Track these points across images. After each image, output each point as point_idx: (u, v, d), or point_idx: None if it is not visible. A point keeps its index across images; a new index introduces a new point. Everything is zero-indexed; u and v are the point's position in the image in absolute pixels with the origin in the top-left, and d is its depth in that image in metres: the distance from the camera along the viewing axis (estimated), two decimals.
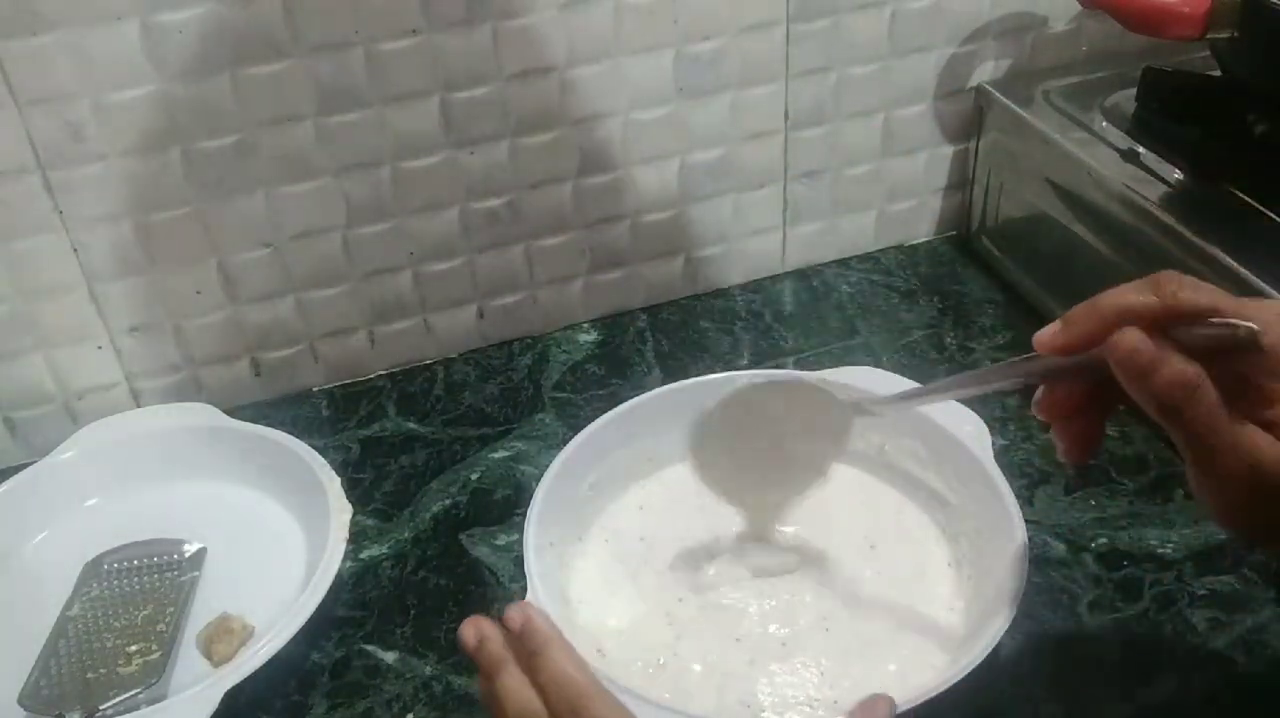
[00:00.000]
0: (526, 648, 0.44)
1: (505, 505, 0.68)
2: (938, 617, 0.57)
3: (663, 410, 0.65)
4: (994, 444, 0.61)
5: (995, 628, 0.50)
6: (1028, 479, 0.66)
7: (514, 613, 0.45)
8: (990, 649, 0.49)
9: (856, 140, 0.83)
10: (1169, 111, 0.75)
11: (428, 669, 0.59)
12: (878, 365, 0.68)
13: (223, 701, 0.53)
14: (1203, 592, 0.60)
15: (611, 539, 0.62)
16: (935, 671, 0.50)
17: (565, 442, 0.63)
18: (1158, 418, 0.40)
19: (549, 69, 0.72)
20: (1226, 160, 0.69)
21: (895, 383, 0.65)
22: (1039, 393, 0.46)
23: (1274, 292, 0.59)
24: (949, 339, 0.79)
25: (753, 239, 0.85)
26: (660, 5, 0.72)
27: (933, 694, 0.48)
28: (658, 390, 0.66)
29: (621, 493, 0.64)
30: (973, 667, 0.49)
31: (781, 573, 0.59)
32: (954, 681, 0.48)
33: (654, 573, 0.60)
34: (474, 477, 0.70)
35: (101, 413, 0.73)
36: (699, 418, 0.57)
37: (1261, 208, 0.66)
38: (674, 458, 0.66)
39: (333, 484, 0.65)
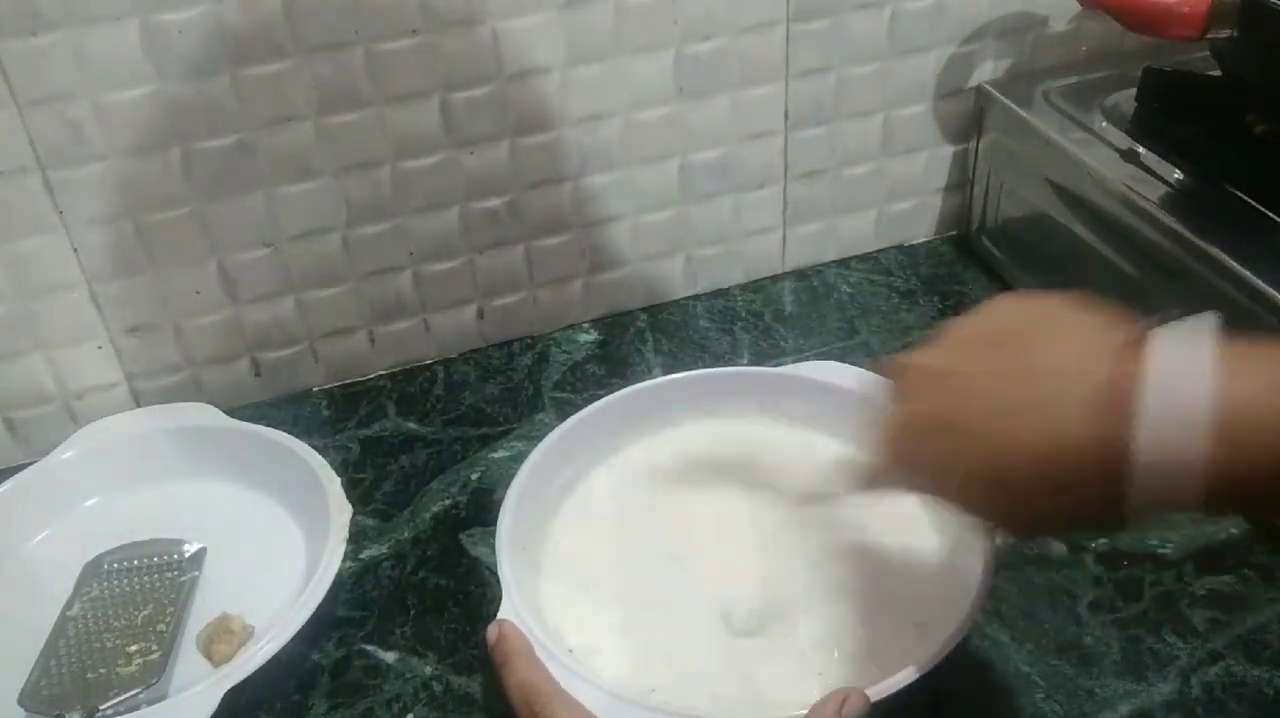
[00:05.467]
0: (495, 659, 0.51)
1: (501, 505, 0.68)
2: (926, 605, 0.56)
3: (629, 410, 0.66)
4: None
5: (967, 612, 0.51)
6: None
7: (491, 628, 0.52)
8: (961, 637, 0.50)
9: (856, 140, 0.83)
10: (1169, 111, 0.75)
11: (428, 669, 0.59)
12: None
13: (223, 701, 0.53)
14: (1203, 592, 0.60)
15: (583, 538, 0.62)
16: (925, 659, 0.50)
17: None
18: None
19: (549, 69, 0.72)
20: (1226, 160, 0.69)
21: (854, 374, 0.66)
22: None
23: (1274, 292, 0.59)
24: None
25: (753, 239, 0.85)
26: (660, 5, 0.72)
27: (919, 680, 0.48)
28: (623, 392, 0.67)
29: (590, 492, 0.64)
30: (947, 652, 0.49)
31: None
32: (928, 667, 0.48)
33: (626, 571, 0.60)
34: (474, 477, 0.70)
35: (101, 413, 0.73)
36: None
37: (1261, 208, 0.66)
38: (640, 453, 0.66)
39: (333, 484, 0.65)
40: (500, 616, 0.53)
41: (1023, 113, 0.79)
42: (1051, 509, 0.40)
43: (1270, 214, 0.65)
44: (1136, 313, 0.40)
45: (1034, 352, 0.41)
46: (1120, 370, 0.37)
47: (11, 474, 0.68)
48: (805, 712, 0.47)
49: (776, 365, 0.77)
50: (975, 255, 0.88)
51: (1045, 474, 0.39)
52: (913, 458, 0.44)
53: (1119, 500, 0.37)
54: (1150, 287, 0.68)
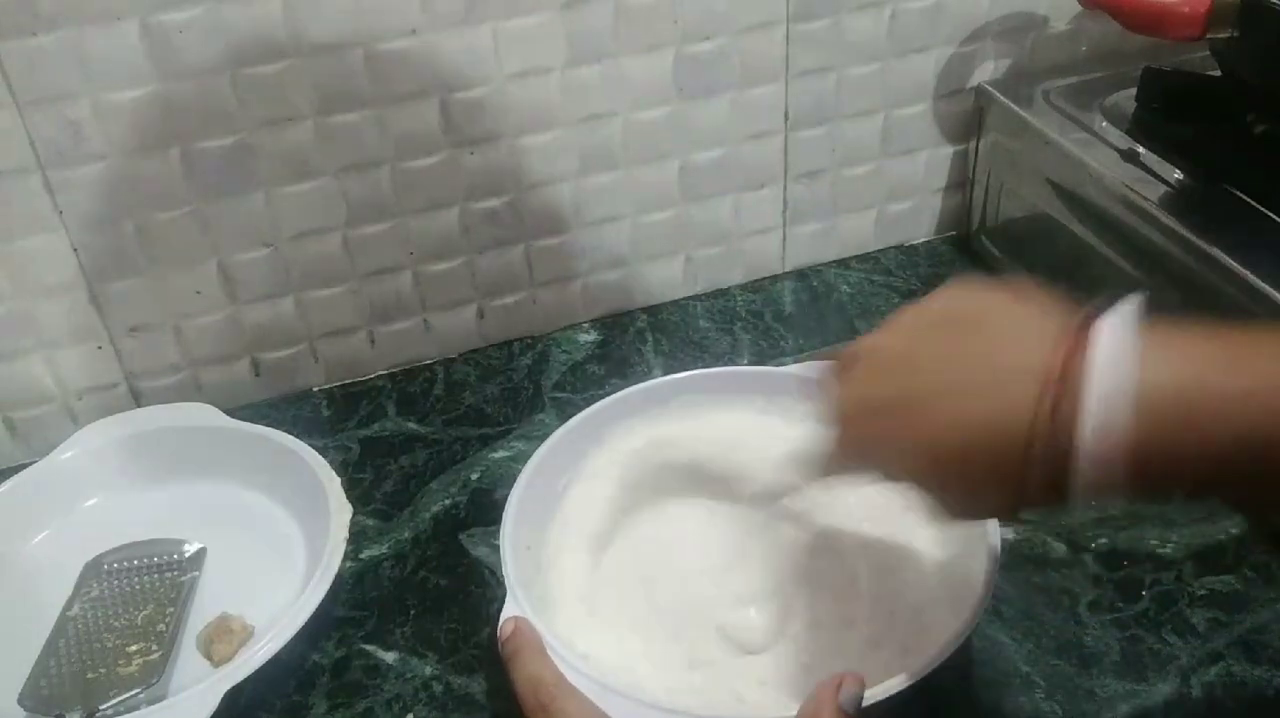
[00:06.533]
0: (505, 654, 0.51)
1: (505, 506, 0.68)
2: (924, 603, 0.56)
3: (631, 410, 0.65)
4: None
5: (971, 612, 0.50)
6: None
7: (505, 623, 0.52)
8: (966, 636, 0.50)
9: (856, 140, 0.83)
10: (1169, 111, 0.75)
11: (428, 669, 0.59)
12: None
13: (223, 701, 0.53)
14: (1203, 592, 0.60)
15: (586, 538, 0.62)
16: (922, 659, 0.50)
17: None
18: None
19: (549, 69, 0.72)
20: (1226, 160, 0.69)
21: None
22: None
23: (1274, 292, 0.59)
24: None
25: (753, 239, 0.85)
26: (660, 5, 0.72)
27: (922, 678, 0.48)
28: (627, 391, 0.66)
29: (593, 492, 0.64)
30: (951, 651, 0.49)
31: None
32: (933, 666, 0.48)
33: (629, 570, 0.60)
34: (474, 477, 0.70)
35: (101, 413, 0.73)
36: None
37: (1261, 208, 0.66)
38: (642, 452, 0.65)
39: (333, 484, 0.65)
40: (504, 616, 0.53)
41: (1023, 113, 0.79)
42: (992, 490, 0.41)
43: (1270, 214, 0.65)
44: (1081, 300, 0.42)
45: (979, 336, 0.43)
46: (1058, 356, 0.39)
47: (11, 474, 0.68)
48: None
49: (778, 365, 0.77)
50: (975, 255, 0.88)
51: (986, 454, 0.40)
52: (864, 440, 0.46)
53: (1062, 485, 0.38)
54: (1150, 287, 0.68)
